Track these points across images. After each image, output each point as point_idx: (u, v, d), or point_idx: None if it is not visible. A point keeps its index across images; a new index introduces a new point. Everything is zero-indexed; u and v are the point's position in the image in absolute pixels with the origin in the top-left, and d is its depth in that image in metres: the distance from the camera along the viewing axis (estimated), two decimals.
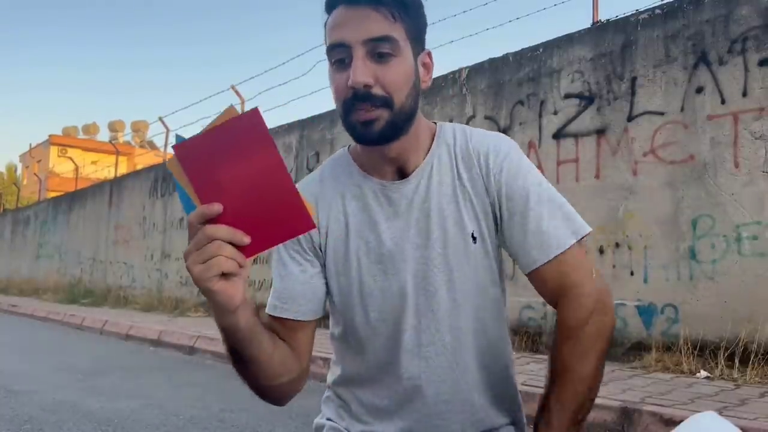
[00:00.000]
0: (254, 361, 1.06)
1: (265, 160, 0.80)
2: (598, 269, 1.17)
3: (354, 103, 1.07)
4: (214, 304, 0.91)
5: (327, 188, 1.23)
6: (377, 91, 1.07)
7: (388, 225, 1.19)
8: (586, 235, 1.16)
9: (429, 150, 1.20)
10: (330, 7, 1.12)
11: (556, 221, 1.14)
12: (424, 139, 1.20)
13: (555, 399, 1.11)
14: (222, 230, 0.82)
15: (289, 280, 1.20)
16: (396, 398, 1.20)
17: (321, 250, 1.22)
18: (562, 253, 1.12)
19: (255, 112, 0.78)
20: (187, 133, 0.85)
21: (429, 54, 1.18)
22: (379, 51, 1.06)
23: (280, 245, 1.09)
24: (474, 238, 1.17)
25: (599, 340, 1.10)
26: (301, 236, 1.17)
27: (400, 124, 1.11)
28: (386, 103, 1.08)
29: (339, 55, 1.09)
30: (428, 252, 1.17)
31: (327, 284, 1.23)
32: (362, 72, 1.05)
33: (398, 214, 1.18)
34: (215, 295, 0.87)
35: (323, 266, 1.23)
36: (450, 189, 1.18)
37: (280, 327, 1.18)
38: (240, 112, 0.78)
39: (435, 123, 1.25)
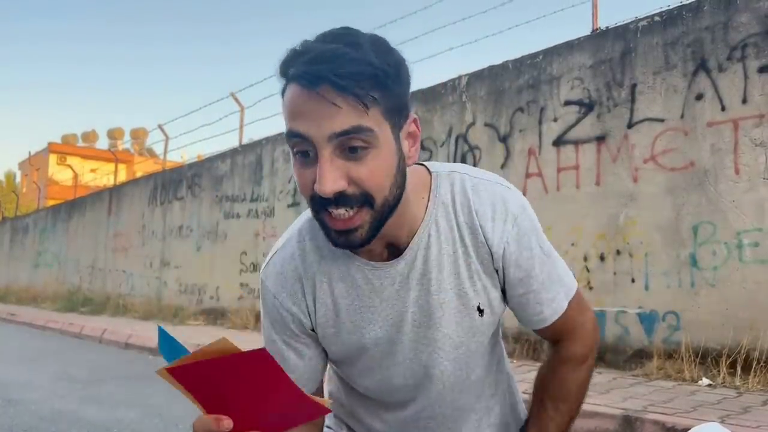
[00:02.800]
0: None
1: (275, 384, 0.75)
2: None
3: (324, 205, 0.91)
4: None
5: (310, 267, 1.09)
6: (352, 191, 0.89)
7: (384, 307, 1.07)
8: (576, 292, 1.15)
9: (425, 212, 1.05)
10: (284, 76, 0.92)
11: (555, 288, 1.11)
12: (416, 202, 1.04)
13: (550, 419, 1.13)
14: None
15: (288, 368, 1.11)
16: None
17: (313, 331, 1.13)
18: (559, 316, 1.12)
19: (263, 352, 0.71)
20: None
21: (415, 121, 0.98)
22: (350, 145, 0.87)
23: (274, 335, 1.11)
24: (480, 311, 1.07)
25: (593, 369, 1.19)
26: (291, 324, 1.11)
27: (384, 219, 0.95)
28: (365, 201, 0.91)
29: (301, 147, 0.90)
30: (431, 332, 1.07)
31: (325, 351, 1.17)
32: (330, 178, 0.87)
33: (394, 296, 1.06)
34: None
35: (317, 341, 1.14)
36: (451, 260, 1.05)
37: None
38: (233, 344, 0.72)
39: (428, 171, 1.08)
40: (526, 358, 5.32)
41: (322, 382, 1.21)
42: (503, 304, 1.12)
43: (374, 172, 0.89)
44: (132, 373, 5.97)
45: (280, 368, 0.73)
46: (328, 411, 0.81)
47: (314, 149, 0.88)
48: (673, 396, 3.78)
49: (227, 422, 0.77)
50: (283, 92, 0.93)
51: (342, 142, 0.87)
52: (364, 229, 0.92)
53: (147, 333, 8.27)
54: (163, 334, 0.79)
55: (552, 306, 1.10)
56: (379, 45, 0.92)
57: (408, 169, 0.99)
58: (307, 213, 1.11)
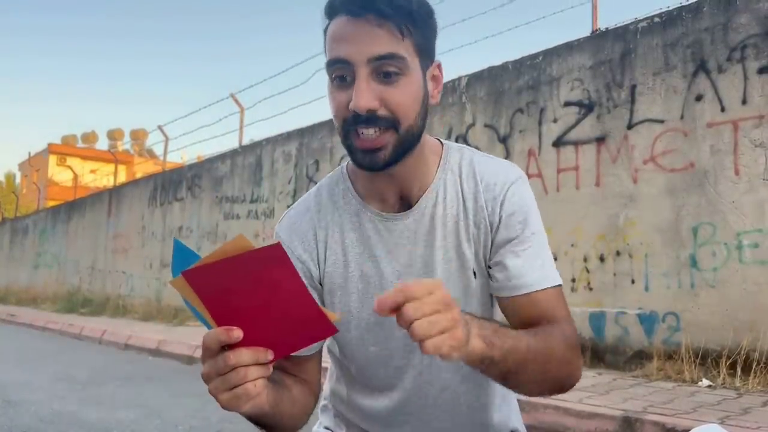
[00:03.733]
0: (278, 422, 1.02)
1: (287, 286, 0.76)
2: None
3: (356, 125, 0.99)
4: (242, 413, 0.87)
5: (324, 217, 1.16)
6: (383, 113, 0.99)
7: (390, 258, 1.12)
8: (558, 285, 1.10)
9: (435, 174, 1.13)
10: (331, 14, 1.03)
11: (533, 264, 1.08)
12: (429, 161, 1.13)
13: (522, 334, 0.99)
14: (244, 355, 0.79)
15: None
16: (394, 419, 1.20)
17: (320, 284, 1.16)
18: (528, 292, 1.07)
19: (278, 247, 0.73)
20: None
21: (438, 66, 1.09)
22: (384, 70, 0.97)
23: None
24: (475, 274, 1.12)
25: (575, 357, 1.05)
26: (299, 271, 1.13)
27: (406, 147, 1.03)
28: (392, 125, 1.00)
29: (340, 72, 1.00)
30: None
31: None
32: (366, 96, 0.97)
33: (400, 247, 1.12)
34: (246, 412, 0.85)
35: (322, 301, 1.17)
36: (453, 221, 1.11)
37: (288, 364, 1.12)
38: (250, 241, 0.74)
39: (440, 141, 1.18)
40: None
41: (320, 359, 1.20)
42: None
43: (404, 97, 0.99)
44: (131, 374, 5.96)
45: (293, 268, 0.75)
46: (335, 330, 0.81)
47: (352, 73, 0.98)
48: (673, 397, 3.78)
49: (237, 332, 0.78)
50: (325, 31, 1.03)
51: (379, 66, 0.97)
52: (387, 150, 1.00)
53: (147, 334, 8.27)
54: (178, 246, 0.80)
55: (523, 279, 1.06)
56: None
57: (424, 137, 1.09)
58: (326, 178, 1.21)
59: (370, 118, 0.98)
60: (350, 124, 1.00)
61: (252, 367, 0.80)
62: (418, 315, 0.76)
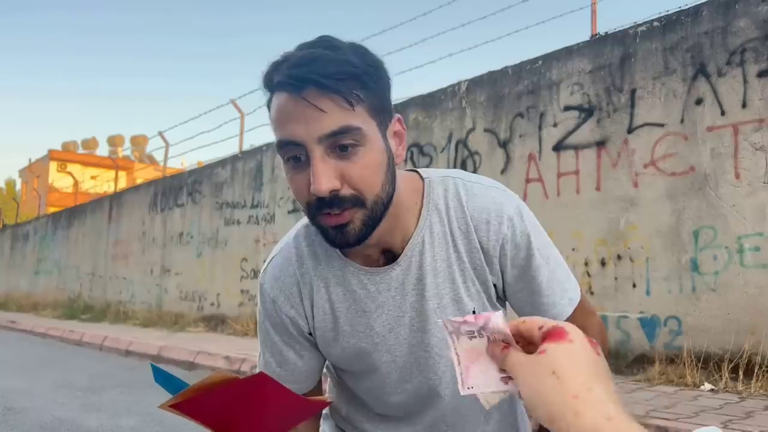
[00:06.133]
0: None
1: (276, 399, 0.77)
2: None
3: (320, 207, 0.93)
4: None
5: (307, 271, 1.11)
6: (345, 192, 0.92)
7: (379, 313, 1.07)
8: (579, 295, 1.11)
9: (418, 218, 1.06)
10: (270, 88, 0.94)
11: (556, 292, 1.08)
12: (410, 206, 1.06)
13: None
14: None
15: (287, 366, 1.15)
16: None
17: (311, 335, 1.14)
18: (569, 316, 1.09)
19: (261, 376, 0.73)
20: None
21: (399, 120, 1.01)
22: (339, 144, 0.90)
23: (274, 336, 1.13)
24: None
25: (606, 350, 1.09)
26: (290, 326, 1.13)
27: (377, 218, 0.96)
28: (357, 202, 0.93)
29: (293, 153, 0.92)
30: (428, 338, 1.07)
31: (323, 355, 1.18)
32: (324, 178, 0.89)
33: (390, 301, 1.07)
34: None
35: (317, 349, 1.16)
36: (445, 265, 1.05)
37: None
38: (228, 374, 0.73)
39: (420, 177, 1.09)
40: None
41: (320, 380, 1.21)
42: (499, 303, 1.12)
43: (365, 169, 0.92)
44: (133, 380, 5.95)
45: (281, 387, 0.75)
46: (328, 403, 0.83)
47: (306, 153, 0.91)
48: (675, 401, 3.77)
49: None
50: (269, 105, 0.95)
51: (332, 142, 0.89)
52: (356, 225, 0.94)
53: (147, 340, 8.26)
54: (156, 371, 0.80)
55: (553, 311, 1.07)
56: (357, 48, 0.95)
57: (400, 175, 1.02)
58: (303, 220, 1.12)
59: (333, 200, 0.91)
60: (315, 209, 0.94)
61: None
62: None
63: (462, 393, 0.65)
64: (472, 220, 1.05)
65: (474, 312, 1.06)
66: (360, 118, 0.91)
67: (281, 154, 0.94)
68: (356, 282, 1.07)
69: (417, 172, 1.11)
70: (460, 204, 1.06)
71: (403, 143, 1.02)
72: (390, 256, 1.07)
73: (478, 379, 0.64)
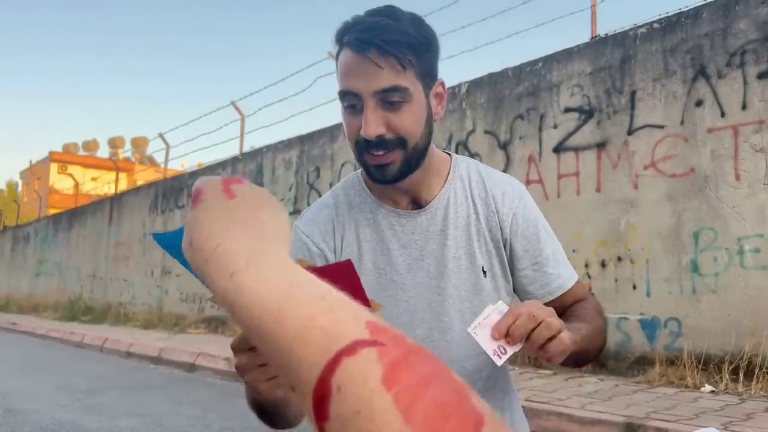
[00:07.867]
0: (286, 413, 0.98)
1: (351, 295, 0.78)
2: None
3: (367, 147, 1.10)
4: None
5: (341, 214, 1.25)
6: (390, 136, 1.09)
7: (402, 251, 1.20)
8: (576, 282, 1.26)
9: (445, 181, 1.23)
10: (339, 43, 1.12)
11: (560, 265, 1.24)
12: (439, 170, 1.23)
13: (579, 326, 1.13)
14: None
15: None
16: None
17: None
18: (565, 291, 1.22)
19: (348, 264, 0.74)
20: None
21: (442, 83, 1.18)
22: (389, 100, 1.07)
23: None
24: (484, 272, 1.20)
25: (604, 323, 1.21)
26: (317, 258, 1.22)
27: (414, 162, 1.13)
28: (400, 144, 1.10)
29: (350, 101, 1.10)
30: (444, 282, 1.18)
31: None
32: (374, 124, 1.07)
33: (413, 242, 1.20)
34: (280, 396, 0.83)
35: None
36: (465, 223, 1.21)
37: None
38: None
39: (449, 154, 1.27)
40: (528, 365, 5.31)
41: None
42: (506, 279, 1.22)
43: (408, 121, 1.09)
44: (133, 382, 5.95)
45: (359, 281, 0.76)
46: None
47: (361, 102, 1.08)
48: (675, 403, 3.77)
49: None
50: (337, 56, 1.12)
51: (383, 96, 1.07)
52: (396, 165, 1.11)
53: (148, 342, 8.26)
54: (159, 238, 0.67)
55: (557, 281, 1.21)
56: (416, 20, 1.12)
57: (433, 147, 1.20)
58: (340, 182, 1.31)
59: (379, 143, 1.09)
60: (362, 147, 1.11)
61: None
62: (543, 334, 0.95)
63: (468, 330, 0.94)
64: (491, 190, 1.22)
65: (483, 269, 1.22)
66: (409, 80, 1.08)
67: (341, 100, 1.12)
68: (386, 223, 1.21)
69: (445, 151, 1.29)
70: (481, 178, 1.24)
71: (443, 103, 1.19)
72: (417, 207, 1.22)
73: (481, 337, 0.93)
